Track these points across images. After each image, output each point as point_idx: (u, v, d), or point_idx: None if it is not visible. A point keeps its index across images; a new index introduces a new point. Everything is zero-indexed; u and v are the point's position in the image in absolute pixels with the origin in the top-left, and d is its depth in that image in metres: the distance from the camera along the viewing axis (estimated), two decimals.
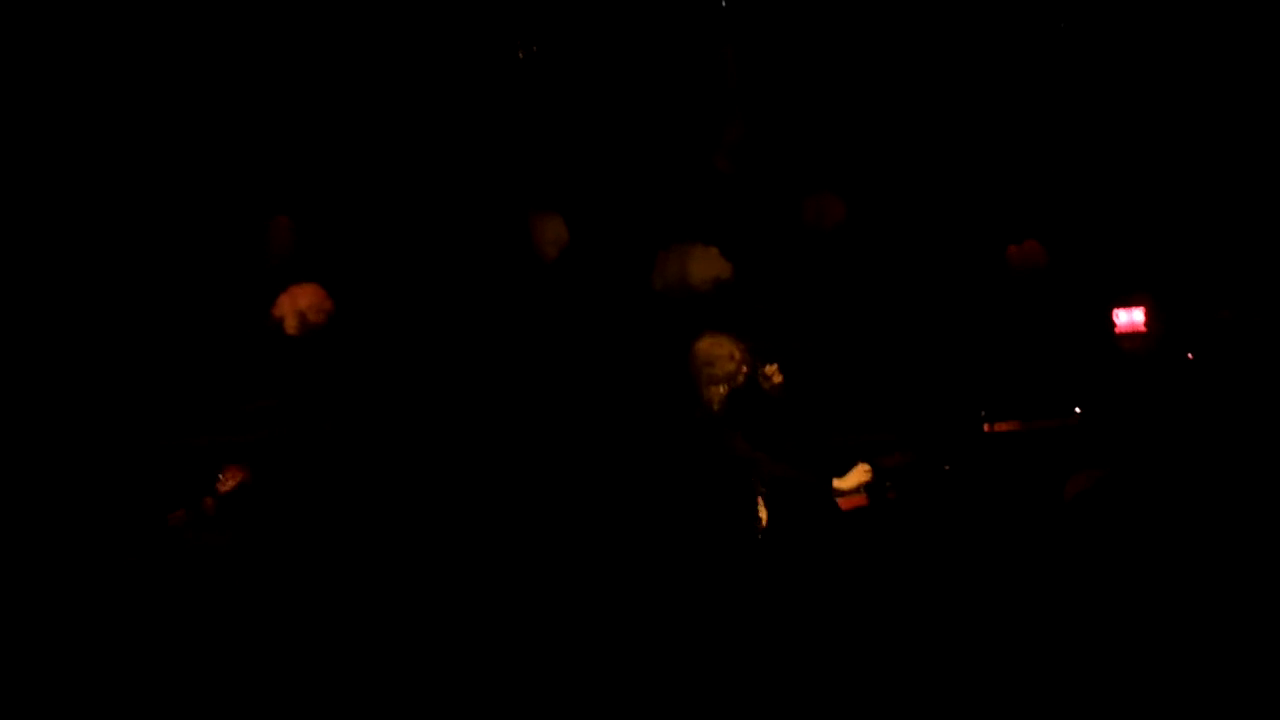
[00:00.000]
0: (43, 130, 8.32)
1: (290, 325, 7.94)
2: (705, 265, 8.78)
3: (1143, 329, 7.59)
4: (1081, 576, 6.41)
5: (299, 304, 7.92)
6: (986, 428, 7.52)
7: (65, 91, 8.36)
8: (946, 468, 7.13)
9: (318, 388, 7.91)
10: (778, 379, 7.12)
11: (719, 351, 6.84)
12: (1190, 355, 7.53)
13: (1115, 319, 7.64)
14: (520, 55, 8.91)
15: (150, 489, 7.17)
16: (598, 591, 6.60)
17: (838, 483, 6.82)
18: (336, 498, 7.14)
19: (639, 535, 6.73)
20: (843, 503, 6.89)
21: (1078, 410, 7.44)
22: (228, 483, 6.66)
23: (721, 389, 6.83)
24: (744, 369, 6.85)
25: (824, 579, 6.63)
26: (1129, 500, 6.65)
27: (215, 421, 7.89)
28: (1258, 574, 6.16)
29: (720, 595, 6.43)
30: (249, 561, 6.75)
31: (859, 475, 6.84)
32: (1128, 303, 7.66)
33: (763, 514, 6.61)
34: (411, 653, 6.37)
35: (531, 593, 6.66)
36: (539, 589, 6.67)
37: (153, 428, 7.74)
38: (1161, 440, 6.95)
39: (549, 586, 6.68)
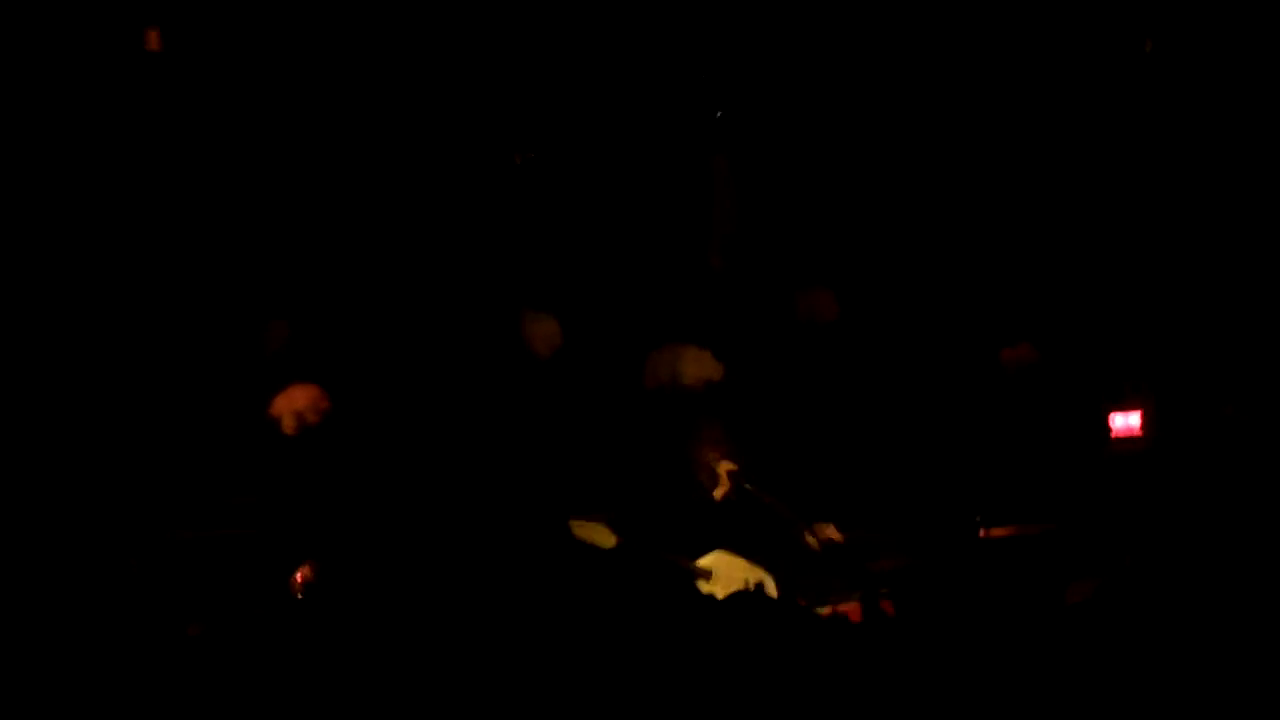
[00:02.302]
0: (30, 214, 8.32)
1: (287, 425, 7.95)
2: (697, 365, 8.82)
3: (1139, 433, 7.61)
4: (1084, 685, 6.38)
5: (296, 404, 7.94)
6: (982, 532, 7.51)
7: (51, 178, 8.36)
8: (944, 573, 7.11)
9: (312, 485, 7.91)
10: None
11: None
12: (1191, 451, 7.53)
13: (1111, 423, 7.66)
14: (517, 160, 8.98)
15: (142, 582, 7.13)
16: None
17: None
18: (331, 584, 7.12)
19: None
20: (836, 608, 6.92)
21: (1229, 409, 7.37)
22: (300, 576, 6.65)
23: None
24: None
25: (816, 686, 6.60)
26: (1132, 607, 6.63)
27: (204, 517, 7.88)
28: (1265, 684, 6.13)
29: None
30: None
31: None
32: (1123, 406, 7.68)
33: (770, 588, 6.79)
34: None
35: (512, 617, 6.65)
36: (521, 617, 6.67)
37: (145, 521, 7.72)
38: (1162, 544, 6.93)
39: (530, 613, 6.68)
